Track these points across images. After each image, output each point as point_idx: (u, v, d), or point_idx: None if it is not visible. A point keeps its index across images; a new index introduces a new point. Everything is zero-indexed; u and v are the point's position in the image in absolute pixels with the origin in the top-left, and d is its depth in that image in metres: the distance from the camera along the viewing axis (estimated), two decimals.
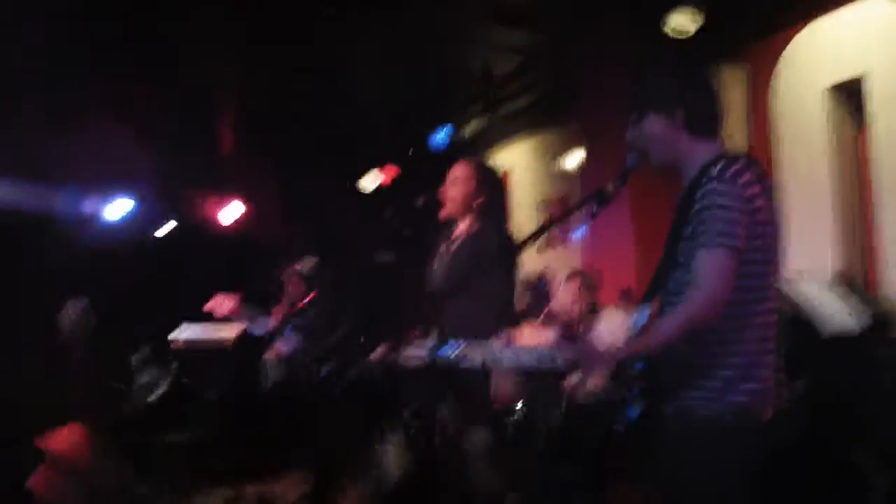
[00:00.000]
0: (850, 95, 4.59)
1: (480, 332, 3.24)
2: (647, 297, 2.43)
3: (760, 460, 2.28)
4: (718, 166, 2.21)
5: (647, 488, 3.16)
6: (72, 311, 5.55)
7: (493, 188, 3.43)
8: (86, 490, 3.45)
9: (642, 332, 2.34)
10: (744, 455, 2.22)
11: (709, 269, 2.15)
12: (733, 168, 2.20)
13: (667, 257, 2.35)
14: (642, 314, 2.40)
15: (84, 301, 5.52)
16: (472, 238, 3.42)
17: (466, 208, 3.40)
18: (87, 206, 8.25)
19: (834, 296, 3.90)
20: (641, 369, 2.34)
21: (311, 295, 5.17)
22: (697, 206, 2.20)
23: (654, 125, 2.36)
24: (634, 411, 2.35)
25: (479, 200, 3.38)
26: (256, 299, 5.50)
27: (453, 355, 3.16)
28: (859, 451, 3.45)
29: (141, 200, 8.32)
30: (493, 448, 3.36)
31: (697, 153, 2.32)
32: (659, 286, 2.37)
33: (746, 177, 2.20)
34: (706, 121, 2.38)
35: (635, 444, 2.40)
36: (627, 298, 5.15)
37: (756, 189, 2.22)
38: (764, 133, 5.05)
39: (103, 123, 6.58)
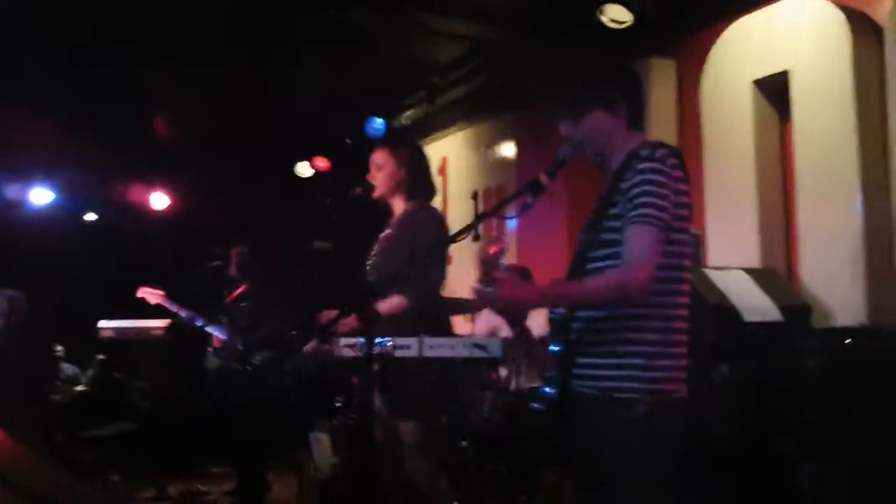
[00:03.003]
0: (775, 89, 4.70)
1: (412, 319, 3.27)
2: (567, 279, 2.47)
3: (681, 440, 2.33)
4: (647, 150, 2.31)
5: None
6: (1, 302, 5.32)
7: (412, 164, 3.59)
8: (22, 496, 3.30)
9: (563, 315, 2.38)
10: (664, 434, 2.27)
11: (639, 244, 2.22)
12: (661, 151, 2.30)
13: (588, 238, 2.41)
14: None
15: (14, 292, 5.31)
16: (398, 225, 3.50)
17: (393, 189, 3.58)
18: (11, 192, 8.01)
19: (757, 285, 4.00)
20: (558, 350, 2.37)
21: (242, 286, 5.12)
22: (627, 185, 2.27)
23: (597, 120, 2.45)
24: (552, 390, 2.38)
25: (402, 178, 3.56)
26: (183, 291, 5.42)
27: (386, 346, 3.15)
28: (778, 435, 3.55)
29: (62, 190, 8.12)
30: (426, 439, 3.37)
31: (628, 143, 2.42)
32: (577, 269, 2.42)
33: (672, 160, 2.30)
34: (642, 114, 2.52)
35: (555, 424, 2.42)
36: None
37: (680, 173, 2.32)
38: (693, 127, 5.15)
39: (25, 111, 6.33)
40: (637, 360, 2.25)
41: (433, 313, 3.36)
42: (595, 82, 2.52)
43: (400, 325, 3.22)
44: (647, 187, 2.23)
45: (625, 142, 2.42)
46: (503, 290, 2.32)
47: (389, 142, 3.76)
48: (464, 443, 4.10)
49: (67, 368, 7.56)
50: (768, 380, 3.72)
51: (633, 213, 2.23)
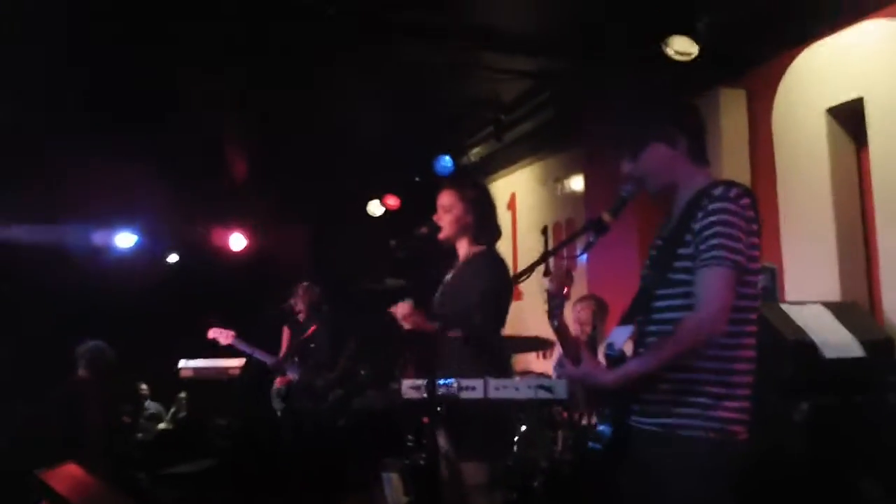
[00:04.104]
0: (850, 116, 4.57)
1: (476, 360, 3.27)
2: (626, 318, 2.44)
3: (742, 479, 2.26)
4: (720, 188, 2.28)
5: None
6: (89, 351, 5.58)
7: (479, 207, 3.56)
8: None
9: (621, 353, 2.35)
10: (725, 475, 2.23)
11: (713, 287, 2.18)
12: (735, 190, 2.27)
13: (655, 276, 2.38)
14: (620, 334, 2.42)
15: (100, 342, 5.57)
16: (462, 268, 3.51)
17: (460, 232, 3.55)
18: (97, 238, 8.38)
19: (836, 320, 3.86)
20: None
21: (313, 327, 5.21)
22: (698, 226, 2.23)
23: (656, 153, 2.42)
24: (607, 429, 2.35)
25: (469, 221, 3.53)
26: (258, 329, 5.56)
27: (452, 387, 3.15)
28: (862, 475, 3.40)
29: (145, 234, 8.45)
30: (491, 480, 3.34)
31: (694, 178, 2.39)
32: (641, 306, 2.39)
33: (745, 200, 2.26)
34: (703, 147, 2.47)
35: (612, 463, 2.38)
36: None
37: (752, 213, 2.28)
38: (765, 157, 5.04)
39: (108, 158, 6.63)
40: (704, 400, 2.22)
41: (488, 354, 3.33)
42: (650, 115, 2.49)
43: (459, 365, 3.23)
44: (719, 228, 2.20)
45: (690, 177, 2.39)
46: (585, 376, 2.36)
47: (457, 183, 3.68)
48: (535, 484, 4.06)
49: (151, 406, 7.81)
50: (851, 418, 3.58)
51: (705, 255, 2.20)
